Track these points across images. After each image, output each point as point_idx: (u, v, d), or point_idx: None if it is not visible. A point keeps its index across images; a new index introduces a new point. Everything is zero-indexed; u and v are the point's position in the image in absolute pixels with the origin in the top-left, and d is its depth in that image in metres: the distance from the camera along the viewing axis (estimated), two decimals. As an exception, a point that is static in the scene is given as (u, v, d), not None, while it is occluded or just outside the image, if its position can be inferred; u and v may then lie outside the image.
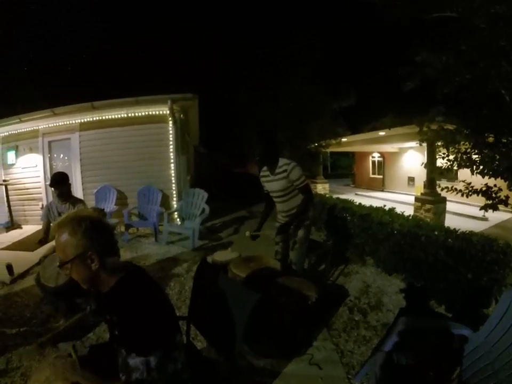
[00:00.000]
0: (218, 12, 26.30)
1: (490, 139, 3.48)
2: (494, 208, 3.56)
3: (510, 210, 4.07)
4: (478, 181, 3.69)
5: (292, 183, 2.88)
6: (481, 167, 3.56)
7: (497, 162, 3.35)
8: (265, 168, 3.07)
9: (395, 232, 3.86)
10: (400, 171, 16.09)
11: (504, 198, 3.51)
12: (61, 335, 1.46)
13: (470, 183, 3.81)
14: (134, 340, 1.02)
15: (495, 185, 3.63)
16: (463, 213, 9.74)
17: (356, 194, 15.46)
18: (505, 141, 3.35)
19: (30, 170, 7.08)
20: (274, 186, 2.99)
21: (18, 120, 6.75)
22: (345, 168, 29.84)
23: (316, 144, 12.56)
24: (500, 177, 3.46)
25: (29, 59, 18.81)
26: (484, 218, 8.97)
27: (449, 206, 9.17)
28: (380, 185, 17.81)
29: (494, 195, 3.58)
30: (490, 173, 3.46)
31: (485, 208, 3.63)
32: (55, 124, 6.70)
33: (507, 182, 3.40)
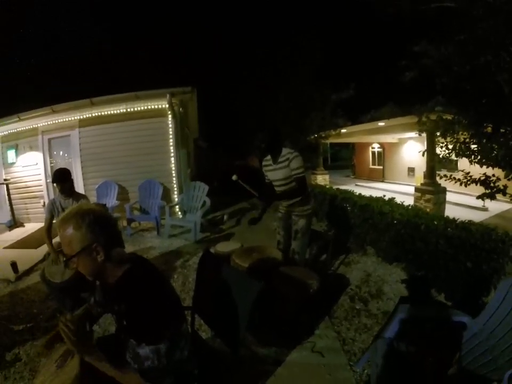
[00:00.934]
0: (219, 11, 26.11)
1: (489, 129, 3.48)
2: (491, 197, 3.57)
3: (510, 200, 4.08)
4: (477, 171, 3.70)
5: (292, 171, 2.89)
6: (479, 156, 3.57)
7: (495, 152, 3.35)
8: (268, 157, 3.07)
9: (395, 221, 3.89)
10: (400, 162, 16.06)
11: (502, 188, 3.52)
12: None
13: (468, 173, 3.82)
14: (143, 329, 1.05)
15: (493, 175, 3.63)
16: (463, 203, 9.73)
17: (356, 185, 15.48)
18: (503, 131, 3.35)
19: (30, 168, 7.09)
20: (276, 175, 2.99)
21: (18, 118, 6.72)
22: (346, 160, 29.69)
23: (316, 136, 12.53)
24: (498, 167, 3.47)
25: (28, 59, 18.74)
26: (484, 209, 9.00)
27: (450, 197, 9.17)
28: (380, 176, 17.80)
29: (492, 184, 3.59)
30: (489, 162, 3.47)
31: (482, 197, 3.65)
32: (54, 121, 6.69)
33: (505, 172, 3.41)
